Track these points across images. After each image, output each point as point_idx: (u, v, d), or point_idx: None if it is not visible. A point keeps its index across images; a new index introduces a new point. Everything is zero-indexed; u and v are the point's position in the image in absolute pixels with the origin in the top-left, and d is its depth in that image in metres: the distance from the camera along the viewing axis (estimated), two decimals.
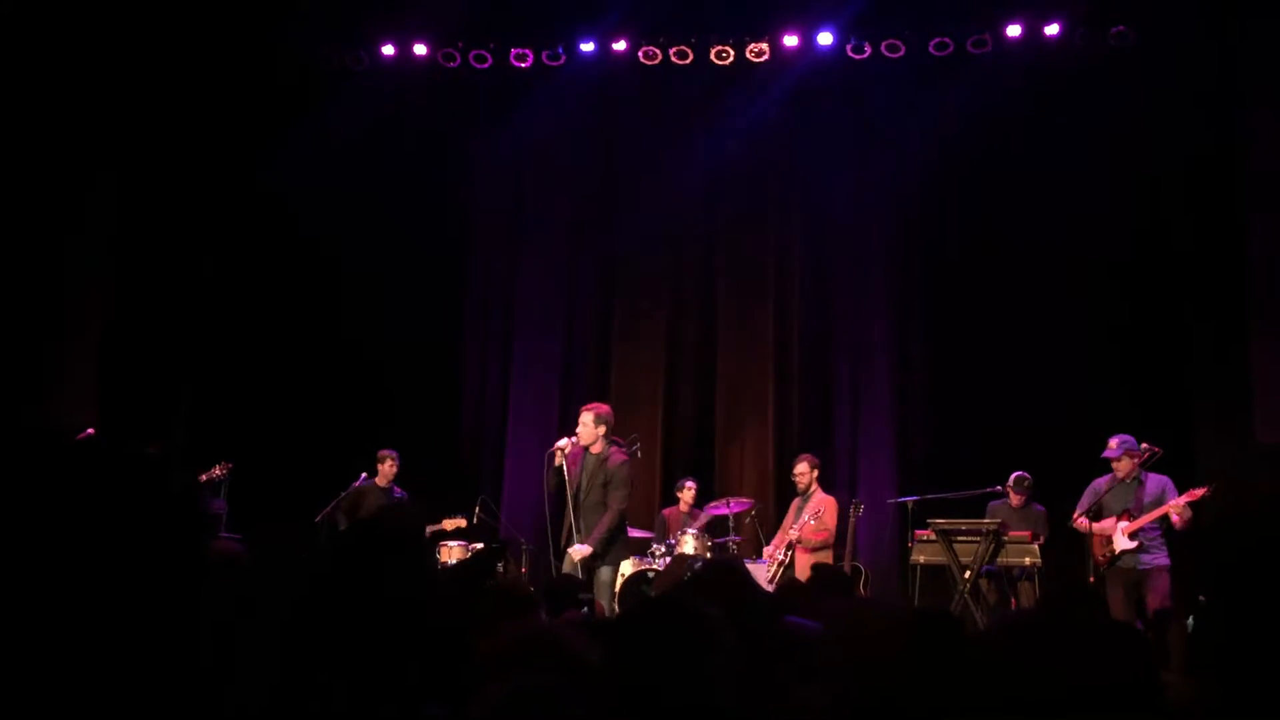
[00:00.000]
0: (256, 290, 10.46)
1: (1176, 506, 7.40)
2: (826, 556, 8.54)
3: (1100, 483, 7.85)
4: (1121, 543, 7.55)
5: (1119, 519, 7.59)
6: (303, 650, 1.49)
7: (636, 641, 2.35)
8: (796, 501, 9.02)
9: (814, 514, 8.60)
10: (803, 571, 8.09)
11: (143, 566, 1.06)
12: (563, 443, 7.41)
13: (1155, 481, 7.66)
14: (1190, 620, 6.58)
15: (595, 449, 7.39)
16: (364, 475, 9.28)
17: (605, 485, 7.33)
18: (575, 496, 7.32)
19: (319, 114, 10.37)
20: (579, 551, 7.23)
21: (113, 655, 1.02)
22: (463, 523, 8.10)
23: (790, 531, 8.72)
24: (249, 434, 10.04)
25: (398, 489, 9.34)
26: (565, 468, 7.32)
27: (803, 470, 8.97)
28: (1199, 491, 7.37)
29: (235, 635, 1.47)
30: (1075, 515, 7.79)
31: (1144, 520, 7.50)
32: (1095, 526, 7.64)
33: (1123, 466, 7.68)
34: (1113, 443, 7.71)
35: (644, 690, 2.12)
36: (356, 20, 10.46)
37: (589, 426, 7.36)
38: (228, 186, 10.36)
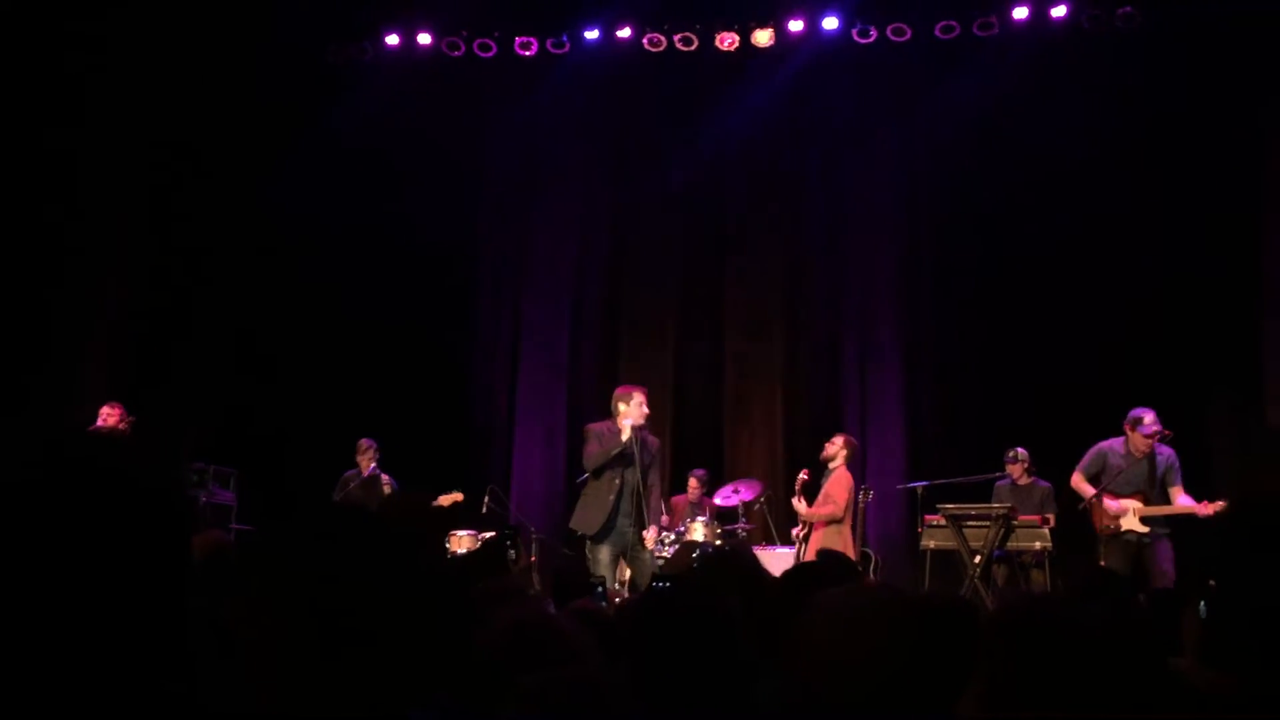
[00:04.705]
0: (262, 282, 10.46)
1: (1206, 512, 7.24)
2: (840, 531, 8.43)
3: (1110, 447, 7.67)
4: (1130, 523, 7.51)
5: (1133, 498, 7.52)
6: (301, 640, 1.48)
7: (658, 633, 2.34)
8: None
9: (827, 495, 8.53)
10: (813, 548, 8.04)
11: (118, 561, 1.05)
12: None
13: (1163, 457, 7.53)
14: (1203, 605, 6.53)
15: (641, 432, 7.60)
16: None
17: (650, 465, 7.62)
18: (624, 479, 7.50)
19: (325, 106, 10.36)
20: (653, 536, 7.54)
21: (91, 652, 1.01)
22: (459, 497, 8.06)
23: (798, 505, 8.64)
24: (258, 426, 10.08)
25: (385, 475, 9.26)
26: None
27: (835, 442, 8.68)
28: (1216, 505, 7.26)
29: (222, 626, 1.47)
30: (1075, 475, 7.70)
31: (1160, 511, 7.45)
32: (1107, 502, 7.57)
33: (1138, 443, 7.53)
34: (1147, 418, 7.51)
35: (667, 681, 2.09)
36: (361, 11, 10.45)
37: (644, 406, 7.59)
38: (233, 181, 10.35)
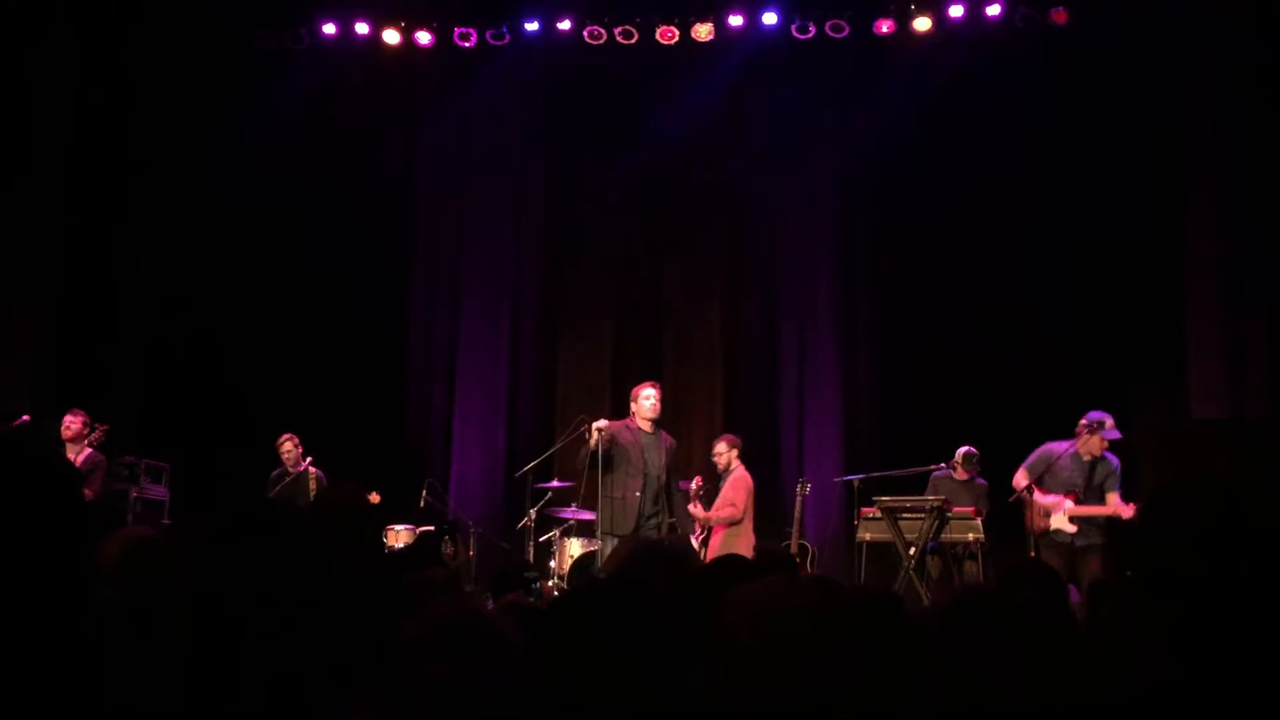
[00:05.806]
0: (196, 272, 10.30)
1: (1128, 514, 7.29)
2: (740, 533, 8.44)
3: (1057, 449, 7.70)
4: (1059, 522, 7.59)
5: (1065, 496, 7.62)
6: (220, 636, 1.46)
7: (579, 627, 2.33)
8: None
9: (726, 498, 8.54)
10: (713, 550, 8.06)
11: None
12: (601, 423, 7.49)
13: (1105, 466, 7.58)
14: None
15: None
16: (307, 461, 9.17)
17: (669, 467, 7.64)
18: (646, 474, 7.50)
19: (260, 94, 10.23)
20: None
21: None
22: (377, 498, 8.05)
23: (695, 509, 8.62)
24: (191, 420, 9.93)
25: (314, 469, 9.15)
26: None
27: (719, 450, 8.85)
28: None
29: (144, 622, 1.46)
30: (1019, 473, 7.74)
31: (1089, 512, 7.54)
32: (1038, 496, 7.67)
33: (1094, 445, 7.56)
34: (1109, 422, 7.54)
35: (589, 675, 2.08)
36: None
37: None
38: (169, 168, 10.19)
